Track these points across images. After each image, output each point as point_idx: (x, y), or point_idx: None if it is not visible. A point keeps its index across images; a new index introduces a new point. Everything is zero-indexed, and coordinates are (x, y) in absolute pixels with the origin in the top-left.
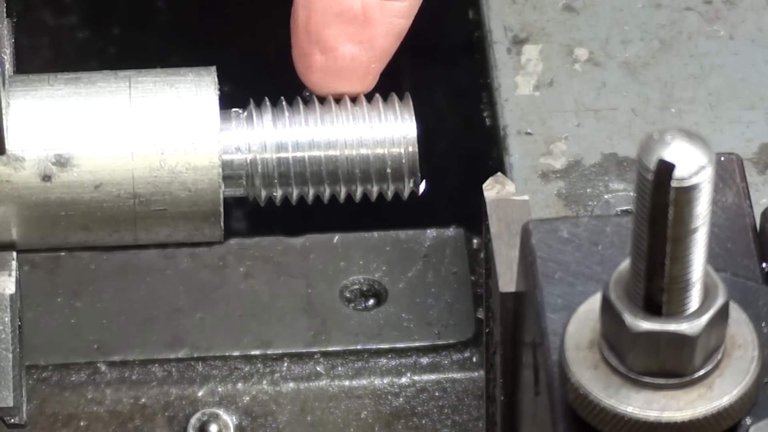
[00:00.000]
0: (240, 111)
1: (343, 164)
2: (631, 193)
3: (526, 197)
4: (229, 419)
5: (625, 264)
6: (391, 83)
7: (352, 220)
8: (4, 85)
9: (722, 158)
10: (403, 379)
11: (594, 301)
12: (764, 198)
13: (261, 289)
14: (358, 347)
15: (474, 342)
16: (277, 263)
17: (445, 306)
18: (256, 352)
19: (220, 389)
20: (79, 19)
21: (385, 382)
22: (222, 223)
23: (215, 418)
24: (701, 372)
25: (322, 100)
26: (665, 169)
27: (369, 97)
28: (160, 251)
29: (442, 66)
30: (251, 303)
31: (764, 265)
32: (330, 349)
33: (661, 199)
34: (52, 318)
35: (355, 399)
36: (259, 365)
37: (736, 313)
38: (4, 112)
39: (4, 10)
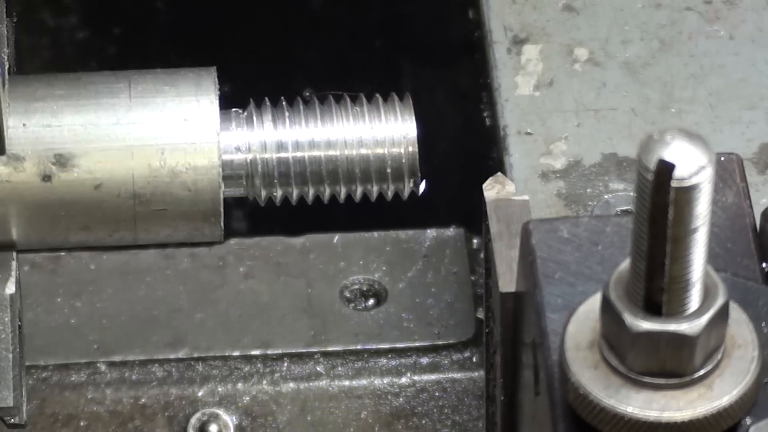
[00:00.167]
0: (240, 111)
1: (343, 164)
2: (631, 193)
3: (526, 197)
4: (229, 419)
5: (625, 264)
6: (391, 83)
7: (352, 220)
8: (4, 85)
9: (722, 158)
10: (403, 379)
11: (594, 301)
12: (764, 198)
13: (261, 289)
14: (358, 347)
15: (474, 342)
16: (277, 263)
17: (445, 306)
18: (256, 352)
19: (220, 389)
20: (79, 19)
21: (385, 382)
22: (222, 223)
23: (215, 418)
24: (701, 372)
25: (322, 99)
26: (665, 169)
27: (369, 97)
28: (160, 251)
29: (442, 66)
30: (251, 303)
31: (764, 265)
32: (330, 349)
33: (661, 199)
34: (52, 318)
35: (355, 399)
36: (259, 365)
37: (736, 313)
38: (4, 112)
39: (4, 10)
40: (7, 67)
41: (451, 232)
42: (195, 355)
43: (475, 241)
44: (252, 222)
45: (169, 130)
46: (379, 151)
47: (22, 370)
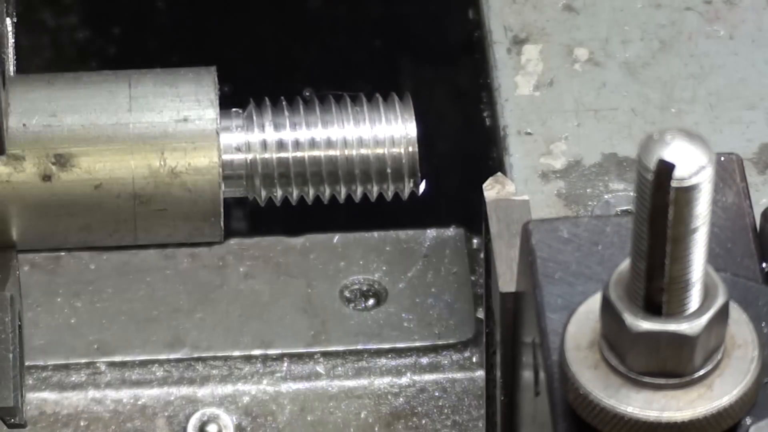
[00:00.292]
0: (240, 111)
1: (343, 164)
2: (631, 193)
3: (526, 197)
4: (229, 419)
5: (625, 264)
6: (391, 83)
7: (352, 220)
8: (4, 85)
9: (722, 158)
10: (403, 379)
11: (594, 301)
12: (764, 198)
13: (261, 289)
14: (358, 347)
15: (474, 342)
16: (277, 263)
17: (445, 306)
18: (256, 352)
19: (220, 389)
20: (79, 19)
21: (385, 382)
22: (222, 223)
23: (215, 418)
24: (701, 372)
25: (322, 99)
26: (665, 169)
27: (369, 97)
28: (160, 251)
29: (442, 66)
30: (251, 303)
31: (764, 265)
32: (330, 349)
33: (661, 199)
34: (52, 318)
35: (355, 399)
36: (259, 365)
37: (736, 313)
38: (4, 112)
39: (4, 10)
40: (7, 67)
41: (451, 232)
42: (195, 355)
43: (475, 241)
44: (252, 222)
45: (169, 130)
46: (379, 151)
47: (22, 370)
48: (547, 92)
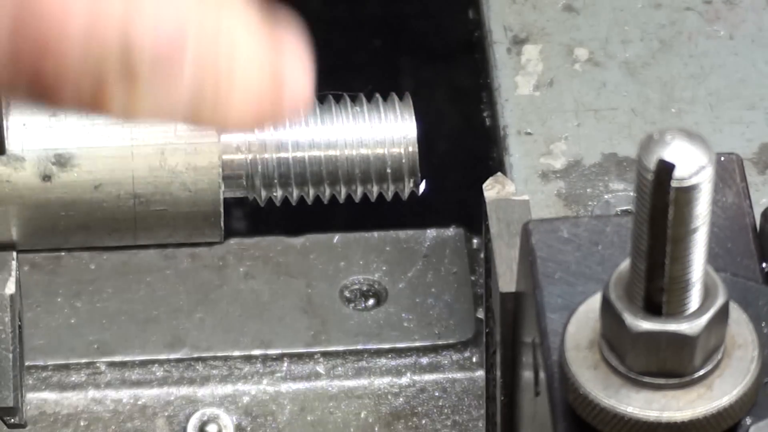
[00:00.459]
0: None
1: (343, 164)
2: (631, 193)
3: (526, 197)
4: (229, 419)
5: (625, 264)
6: (390, 83)
7: (352, 220)
8: None
9: (722, 158)
10: (403, 379)
11: (594, 301)
12: (764, 198)
13: (261, 289)
14: (358, 347)
15: (474, 342)
16: (277, 263)
17: (445, 306)
18: (256, 352)
19: (220, 389)
20: None
21: (385, 382)
22: (222, 223)
23: (215, 418)
24: (701, 372)
25: (322, 99)
26: (665, 169)
27: (369, 96)
28: (160, 251)
29: (442, 66)
30: (251, 303)
31: (764, 265)
32: (330, 349)
33: (661, 199)
34: (52, 318)
35: (355, 399)
36: (259, 365)
37: (736, 313)
38: (4, 112)
39: None
40: None
41: (451, 232)
42: (195, 355)
43: (475, 241)
44: (252, 222)
45: (168, 130)
46: (379, 151)
47: (22, 370)
48: (547, 92)
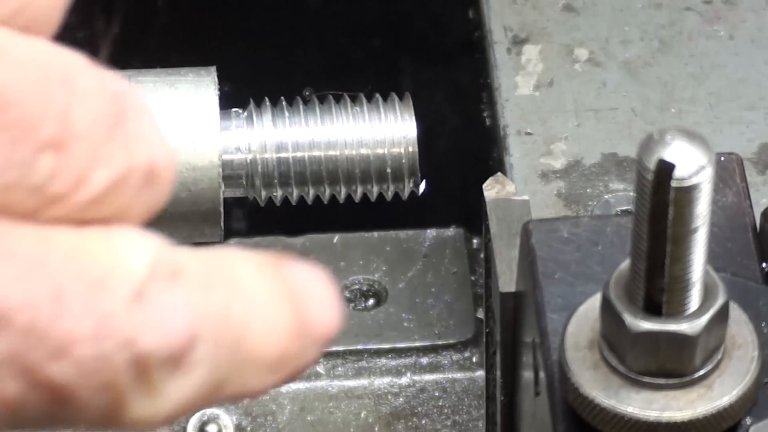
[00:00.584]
0: (240, 111)
1: (343, 164)
2: (631, 193)
3: (526, 197)
4: (229, 419)
5: (625, 264)
6: (390, 83)
7: (352, 220)
8: None
9: (722, 158)
10: (403, 379)
11: (594, 301)
12: (764, 198)
13: None
14: (358, 347)
15: (474, 342)
16: None
17: (445, 306)
18: None
19: None
20: (79, 19)
21: (385, 382)
22: (222, 223)
23: (215, 418)
24: (701, 372)
25: (322, 99)
26: (665, 169)
27: (369, 97)
28: None
29: (442, 66)
30: None
31: (764, 265)
32: (330, 349)
33: (661, 199)
34: None
35: (355, 399)
36: None
37: (736, 313)
38: None
39: None
40: None
41: (451, 232)
42: None
43: (475, 241)
44: (252, 222)
45: (168, 131)
46: (379, 151)
47: None
48: (547, 92)
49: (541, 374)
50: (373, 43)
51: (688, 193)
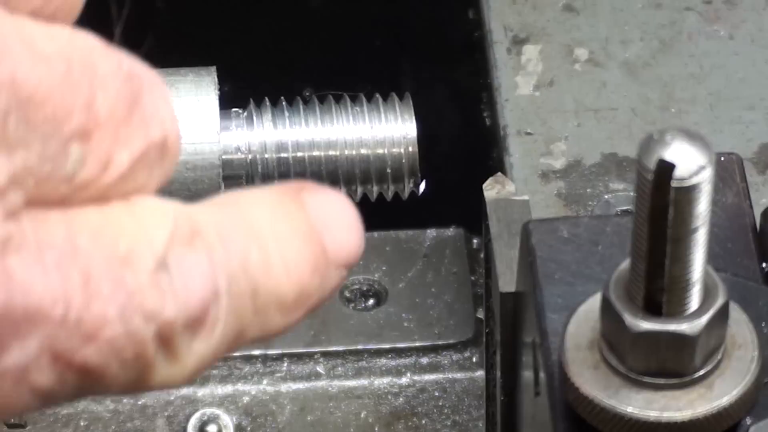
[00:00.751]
0: (240, 111)
1: (343, 164)
2: (631, 193)
3: (526, 197)
4: (229, 419)
5: (625, 264)
6: (391, 83)
7: None
8: None
9: (722, 158)
10: (403, 379)
11: (594, 301)
12: (764, 198)
13: None
14: (358, 347)
15: (474, 342)
16: None
17: (445, 306)
18: (256, 352)
19: (220, 389)
20: (78, 19)
21: (385, 382)
22: None
23: (215, 418)
24: (701, 372)
25: (322, 99)
26: (665, 169)
27: (369, 97)
28: None
29: (442, 66)
30: None
31: (764, 265)
32: (330, 349)
33: (661, 199)
34: None
35: (355, 399)
36: (259, 365)
37: (736, 313)
38: None
39: None
40: None
41: (451, 232)
42: None
43: (475, 241)
44: None
45: None
46: (379, 151)
47: None
48: (547, 92)
49: (541, 374)
50: (373, 43)
51: (688, 193)
